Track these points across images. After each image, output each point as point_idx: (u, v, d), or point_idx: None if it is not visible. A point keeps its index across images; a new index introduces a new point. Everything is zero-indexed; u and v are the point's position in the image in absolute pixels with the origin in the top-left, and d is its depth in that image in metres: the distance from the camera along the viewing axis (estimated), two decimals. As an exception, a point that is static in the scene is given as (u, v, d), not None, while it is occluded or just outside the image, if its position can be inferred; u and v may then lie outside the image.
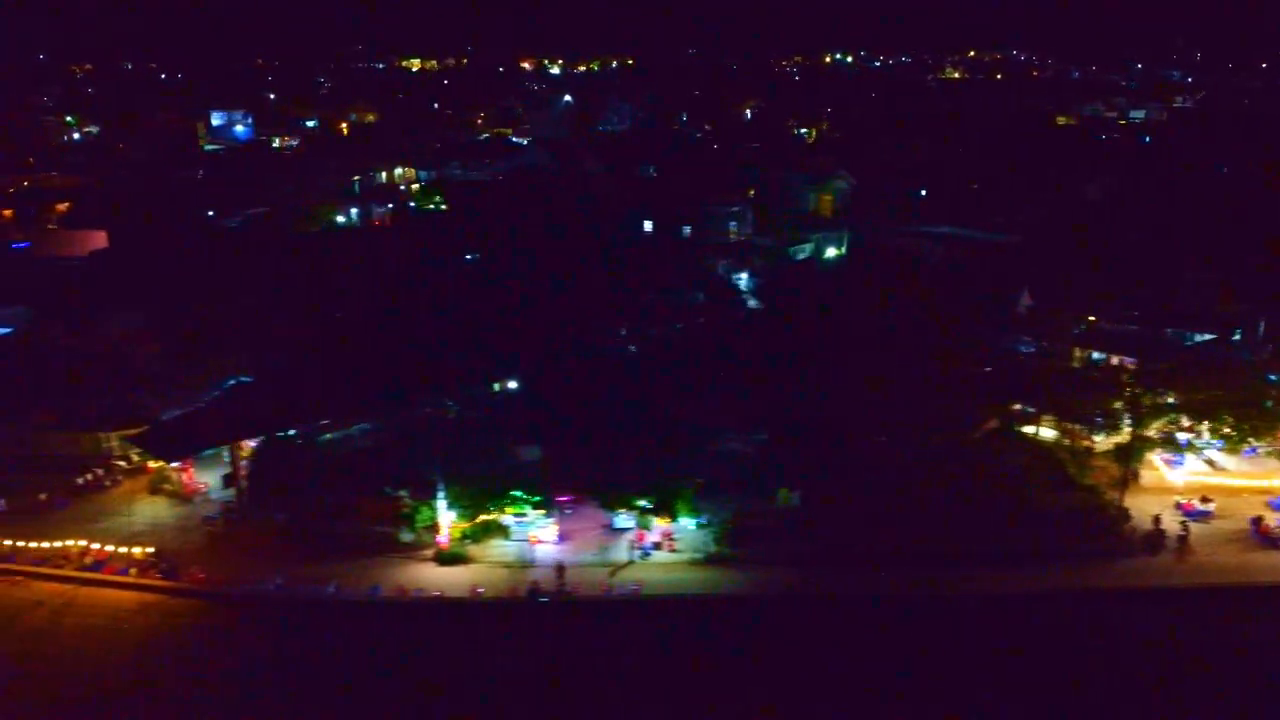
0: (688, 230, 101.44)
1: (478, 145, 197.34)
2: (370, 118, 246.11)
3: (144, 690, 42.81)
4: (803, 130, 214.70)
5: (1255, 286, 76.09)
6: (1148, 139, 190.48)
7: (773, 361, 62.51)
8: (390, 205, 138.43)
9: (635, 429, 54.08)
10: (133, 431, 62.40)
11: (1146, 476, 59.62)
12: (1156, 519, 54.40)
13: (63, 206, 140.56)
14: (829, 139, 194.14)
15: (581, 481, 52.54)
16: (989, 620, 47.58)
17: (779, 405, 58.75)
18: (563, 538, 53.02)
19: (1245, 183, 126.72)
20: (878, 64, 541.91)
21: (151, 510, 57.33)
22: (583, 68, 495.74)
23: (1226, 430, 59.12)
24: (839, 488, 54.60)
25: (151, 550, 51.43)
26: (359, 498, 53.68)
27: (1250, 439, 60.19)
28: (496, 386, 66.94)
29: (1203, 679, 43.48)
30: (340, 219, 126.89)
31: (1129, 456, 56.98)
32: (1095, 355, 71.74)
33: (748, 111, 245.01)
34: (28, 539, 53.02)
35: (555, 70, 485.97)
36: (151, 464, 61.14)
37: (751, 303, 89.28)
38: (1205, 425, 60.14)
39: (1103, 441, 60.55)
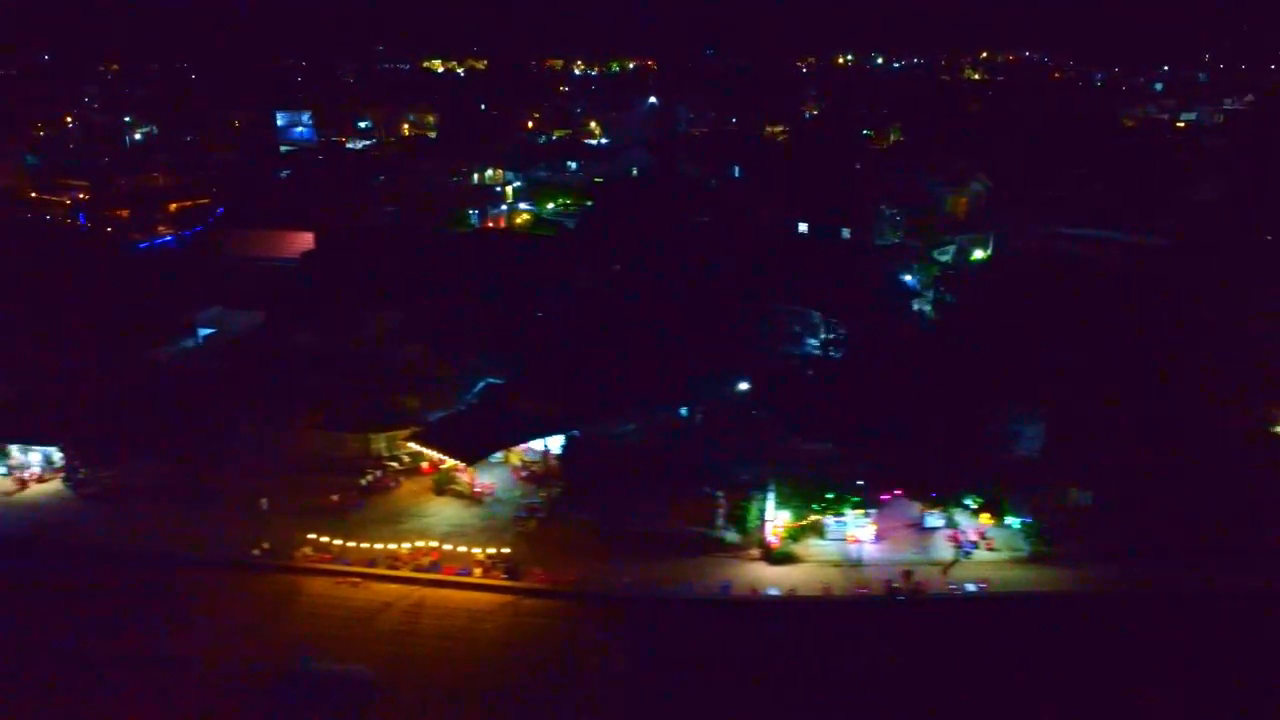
0: (846, 233, 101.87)
1: (556, 147, 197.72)
2: (430, 119, 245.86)
3: (524, 690, 43.05)
4: (865, 132, 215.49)
5: None
6: (1202, 139, 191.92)
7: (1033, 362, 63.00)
8: (504, 207, 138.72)
9: (939, 427, 54.48)
10: (403, 433, 62.80)
11: None
12: None
13: (174, 206, 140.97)
14: (903, 144, 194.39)
15: (902, 481, 52.87)
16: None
17: (1059, 405, 59.23)
18: (878, 537, 53.49)
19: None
20: (898, 65, 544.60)
21: (447, 511, 57.50)
22: (595, 69, 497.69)
23: None
24: (1131, 485, 55.18)
25: (492, 551, 51.52)
26: (672, 497, 53.92)
27: None
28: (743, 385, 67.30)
29: None
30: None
31: None
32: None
33: (808, 114, 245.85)
34: (336, 540, 53.22)
35: (577, 71, 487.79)
36: (429, 465, 61.49)
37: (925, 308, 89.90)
38: None
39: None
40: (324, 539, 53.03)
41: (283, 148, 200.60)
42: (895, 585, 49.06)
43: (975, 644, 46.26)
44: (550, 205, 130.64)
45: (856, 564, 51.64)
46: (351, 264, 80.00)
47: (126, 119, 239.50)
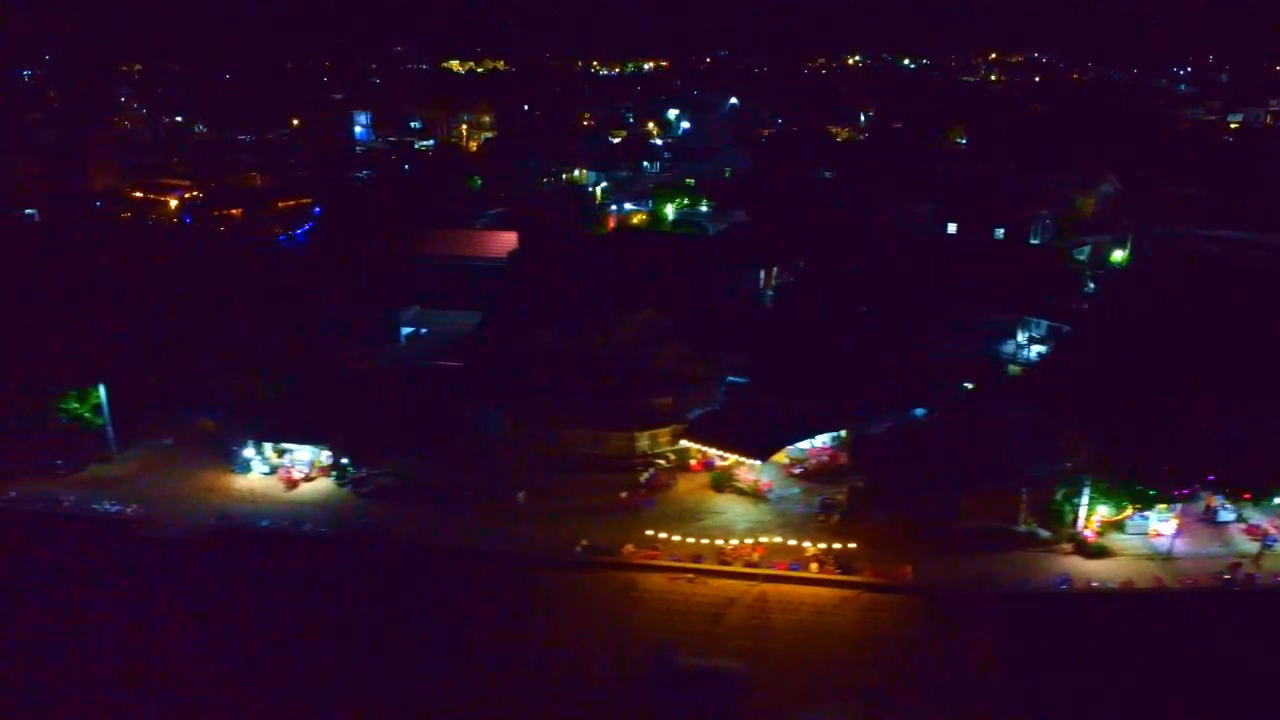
0: (1000, 233, 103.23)
1: (623, 148, 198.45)
2: (485, 119, 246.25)
3: (894, 686, 44.01)
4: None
5: None
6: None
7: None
8: (614, 207, 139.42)
9: (1229, 423, 55.66)
10: (663, 431, 63.71)
11: None
12: None
13: (284, 204, 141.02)
14: (973, 145, 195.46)
15: (1210, 476, 54.03)
16: None
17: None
18: (1177, 532, 54.70)
19: None
20: (913, 66, 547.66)
21: (738, 509, 58.32)
22: (615, 69, 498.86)
23: None
24: None
25: (824, 546, 52.48)
26: (972, 492, 54.98)
27: None
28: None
29: None
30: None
31: None
32: None
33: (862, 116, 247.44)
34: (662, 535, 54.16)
35: (603, 72, 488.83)
36: (697, 462, 62.39)
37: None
38: None
39: None
40: (651, 532, 53.79)
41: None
42: (1228, 576, 50.26)
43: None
44: (670, 206, 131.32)
45: (1169, 557, 52.85)
46: (563, 265, 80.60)
47: (178, 118, 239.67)
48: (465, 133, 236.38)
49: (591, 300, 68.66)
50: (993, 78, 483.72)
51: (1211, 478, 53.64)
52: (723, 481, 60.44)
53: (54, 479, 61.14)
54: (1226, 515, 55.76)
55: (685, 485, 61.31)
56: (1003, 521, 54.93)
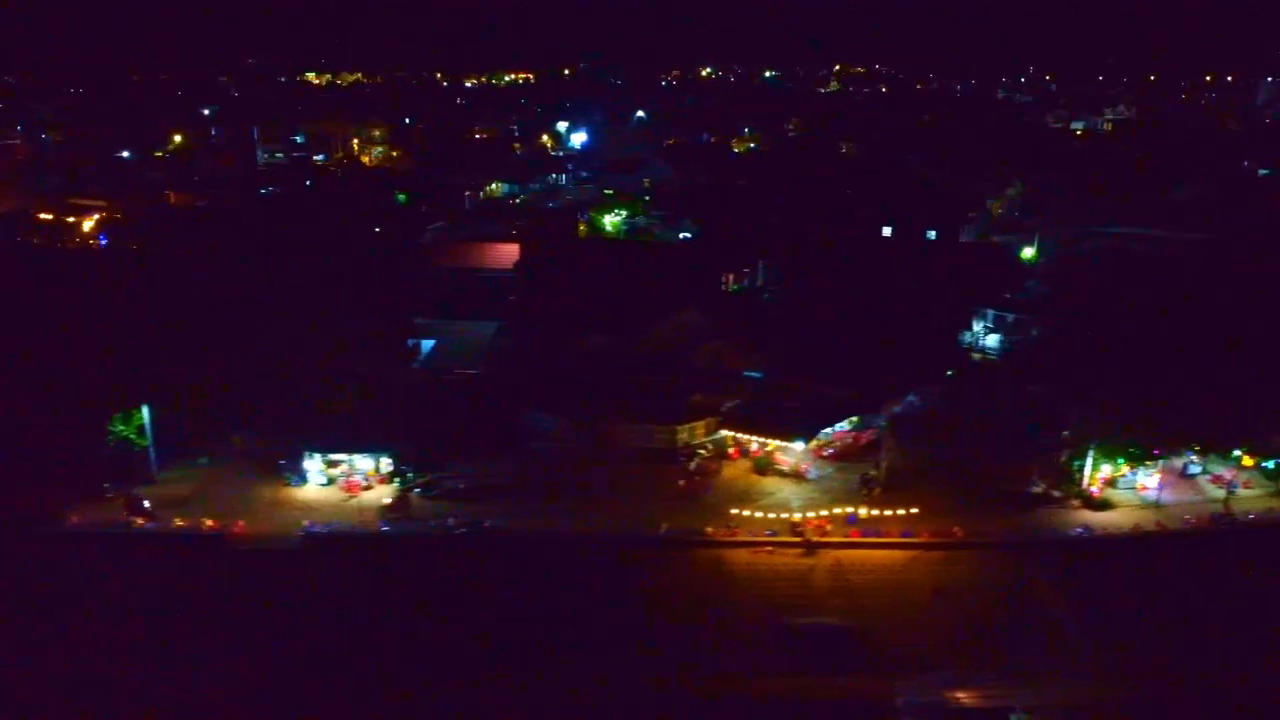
0: (933, 234, 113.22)
1: (532, 161, 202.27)
2: (376, 133, 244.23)
3: (978, 629, 50.81)
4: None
5: None
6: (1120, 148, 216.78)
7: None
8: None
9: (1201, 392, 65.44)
10: (700, 423, 68.99)
11: None
12: None
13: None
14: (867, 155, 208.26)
15: (1195, 436, 63.44)
16: None
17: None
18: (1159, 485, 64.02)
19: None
20: (769, 76, 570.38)
21: (786, 489, 64.08)
22: (476, 81, 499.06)
23: None
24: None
25: (902, 511, 58.99)
26: (996, 459, 62.75)
27: None
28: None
29: None
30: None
31: None
32: None
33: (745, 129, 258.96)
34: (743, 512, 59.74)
35: (469, 84, 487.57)
36: (734, 449, 67.89)
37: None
38: None
39: None
40: (741, 513, 59.10)
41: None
42: (1218, 515, 59.69)
43: None
44: (609, 218, 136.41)
45: (1159, 506, 61.96)
46: (569, 273, 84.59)
47: (54, 135, 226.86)
48: (357, 147, 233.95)
49: (622, 305, 73.06)
50: (834, 87, 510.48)
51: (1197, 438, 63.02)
52: (765, 466, 66.15)
53: (104, 503, 60.99)
54: (1195, 469, 65.48)
55: (730, 472, 66.65)
56: (1020, 484, 62.84)
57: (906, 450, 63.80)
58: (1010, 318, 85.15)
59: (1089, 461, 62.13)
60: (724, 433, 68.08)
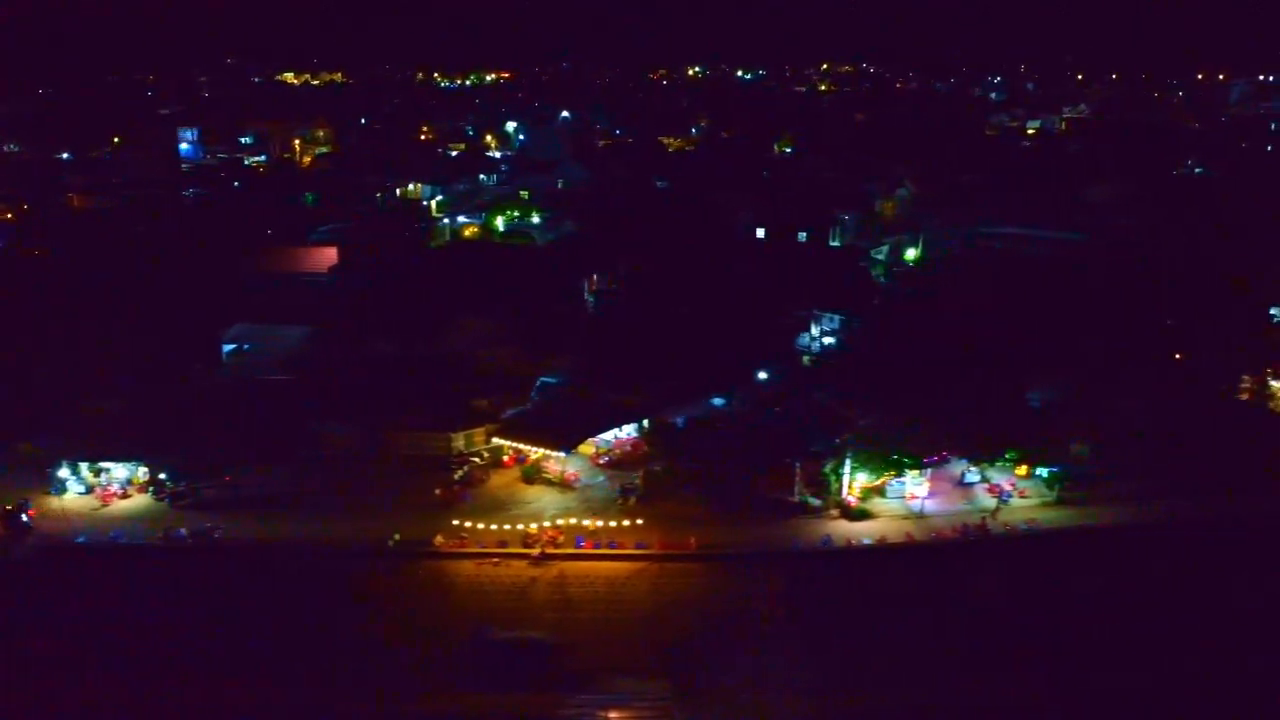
0: (802, 236, 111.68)
1: (459, 160, 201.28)
2: (321, 134, 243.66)
3: (682, 642, 49.35)
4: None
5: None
6: (1061, 146, 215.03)
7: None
8: (449, 220, 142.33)
9: (975, 399, 64.07)
10: (479, 430, 67.73)
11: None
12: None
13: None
14: (801, 153, 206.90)
15: (954, 443, 62.04)
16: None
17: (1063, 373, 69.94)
18: (930, 493, 62.52)
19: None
20: (748, 77, 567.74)
21: (546, 498, 62.91)
22: (456, 80, 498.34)
23: None
24: (1129, 438, 66.33)
25: (602, 523, 57.65)
26: (756, 469, 61.34)
27: None
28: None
29: None
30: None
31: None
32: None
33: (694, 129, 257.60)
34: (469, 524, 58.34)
35: (445, 83, 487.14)
36: (509, 458, 66.63)
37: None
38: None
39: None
40: (464, 524, 57.75)
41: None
42: (967, 527, 58.15)
43: (1041, 569, 55.70)
44: (501, 218, 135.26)
45: (921, 516, 60.44)
46: (389, 277, 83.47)
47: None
48: (299, 148, 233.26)
49: (419, 310, 71.97)
50: (823, 87, 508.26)
51: (947, 444, 61.57)
52: (533, 474, 64.89)
53: None
54: (972, 477, 63.90)
55: (500, 480, 65.44)
56: (781, 493, 61.41)
57: (665, 458, 62.44)
58: (836, 321, 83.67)
59: (846, 470, 60.67)
60: (496, 440, 66.78)
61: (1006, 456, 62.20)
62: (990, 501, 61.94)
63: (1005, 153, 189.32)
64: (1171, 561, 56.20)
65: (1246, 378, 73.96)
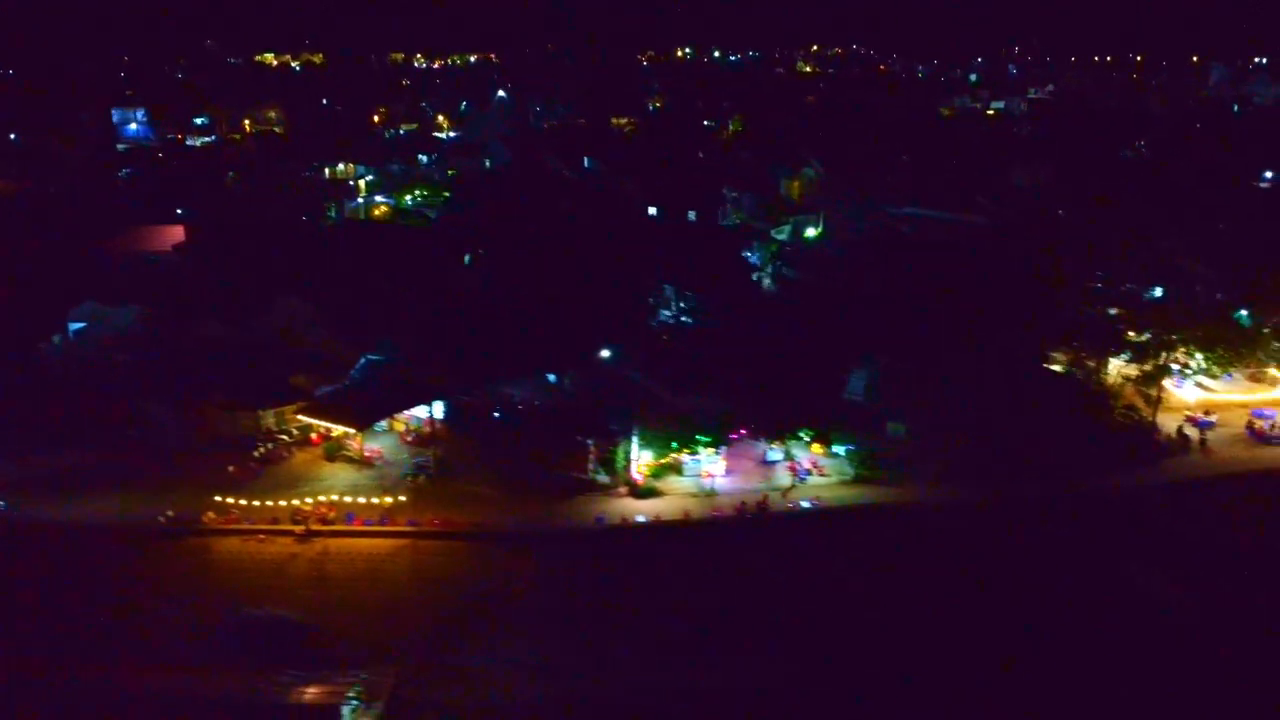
0: (692, 215, 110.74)
1: (403, 141, 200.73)
2: (272, 114, 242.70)
3: (431, 619, 48.98)
4: (707, 123, 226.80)
5: (1195, 246, 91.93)
6: (1026, 128, 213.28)
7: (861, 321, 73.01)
8: (359, 200, 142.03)
9: (778, 376, 63.42)
10: (290, 408, 67.27)
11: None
12: (1179, 429, 68.59)
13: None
14: (744, 134, 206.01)
15: (747, 421, 61.49)
16: (1091, 509, 59.78)
17: (880, 354, 69.34)
18: (728, 471, 62.00)
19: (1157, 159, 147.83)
20: (735, 59, 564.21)
21: (341, 475, 62.49)
22: (436, 62, 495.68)
23: (1218, 358, 73.83)
24: (941, 419, 65.71)
25: (389, 500, 57.19)
26: (553, 447, 60.82)
27: (1230, 366, 75.28)
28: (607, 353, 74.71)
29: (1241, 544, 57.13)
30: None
31: (1153, 382, 70.73)
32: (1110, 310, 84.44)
33: (652, 106, 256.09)
34: (241, 501, 58.04)
35: (419, 64, 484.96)
36: (317, 436, 66.22)
37: (765, 280, 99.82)
38: (1200, 355, 74.57)
39: (1128, 371, 73.67)
40: (227, 500, 57.37)
41: (120, 146, 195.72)
42: (744, 505, 57.66)
43: (812, 546, 55.31)
44: (407, 198, 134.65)
45: (711, 494, 59.93)
46: (232, 256, 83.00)
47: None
48: (249, 128, 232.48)
49: (252, 288, 71.53)
50: (807, 69, 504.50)
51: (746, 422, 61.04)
52: (334, 451, 64.51)
53: None
54: (774, 455, 63.34)
55: (303, 457, 65.06)
56: (575, 471, 60.93)
57: (459, 436, 61.98)
58: (686, 301, 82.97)
59: (633, 448, 60.13)
60: (301, 418, 66.36)
61: (801, 435, 61.44)
62: (787, 479, 61.43)
63: (947, 134, 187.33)
64: (947, 539, 55.88)
65: (1068, 361, 73.30)
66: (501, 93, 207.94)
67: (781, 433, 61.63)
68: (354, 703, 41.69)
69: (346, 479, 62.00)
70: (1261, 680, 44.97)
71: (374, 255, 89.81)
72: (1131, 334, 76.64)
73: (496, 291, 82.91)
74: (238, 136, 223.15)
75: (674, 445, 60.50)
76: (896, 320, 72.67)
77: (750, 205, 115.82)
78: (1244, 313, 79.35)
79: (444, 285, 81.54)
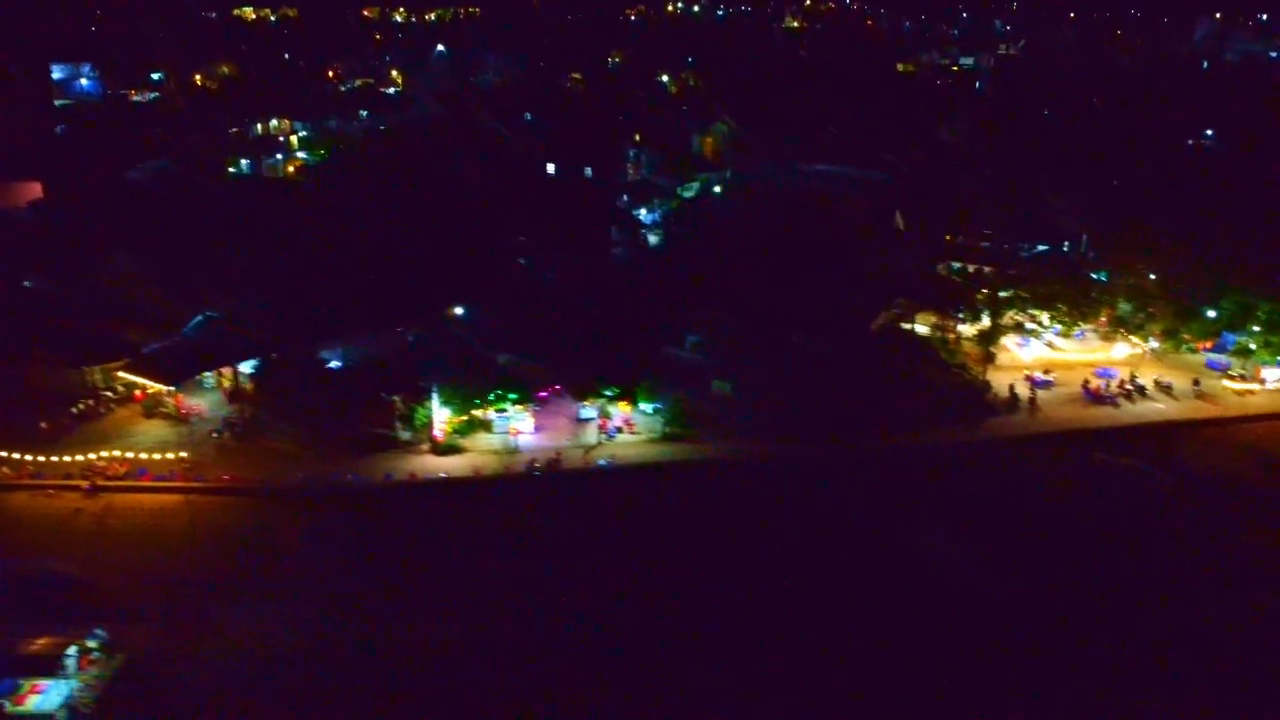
0: (589, 171, 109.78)
1: (351, 96, 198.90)
2: (225, 70, 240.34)
3: (208, 572, 49.39)
4: (664, 79, 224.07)
5: (1087, 205, 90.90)
6: (978, 85, 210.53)
7: (699, 278, 72.60)
8: (279, 156, 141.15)
9: (598, 335, 63.20)
10: (116, 364, 67.27)
11: (1002, 357, 73.51)
12: (1011, 388, 68.46)
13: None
14: (695, 88, 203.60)
15: (555, 379, 61.42)
16: (914, 466, 60.00)
17: (713, 312, 69.03)
18: (538, 428, 62.08)
19: (1071, 120, 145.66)
20: (721, 13, 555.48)
21: (155, 431, 62.73)
22: (430, 17, 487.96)
23: (1061, 317, 73.37)
24: (765, 376, 65.53)
25: (184, 455, 57.46)
26: (356, 405, 60.85)
27: (1079, 323, 74.82)
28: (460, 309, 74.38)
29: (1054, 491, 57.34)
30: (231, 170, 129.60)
31: (989, 340, 70.42)
32: (955, 265, 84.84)
33: (611, 61, 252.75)
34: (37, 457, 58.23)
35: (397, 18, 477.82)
36: (140, 392, 66.30)
37: (653, 236, 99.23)
38: (1044, 314, 74.12)
39: (967, 330, 73.49)
40: (24, 457, 57.64)
41: (60, 102, 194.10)
42: (534, 463, 57.74)
43: (596, 503, 55.55)
44: (322, 153, 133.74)
45: (514, 451, 60.03)
46: (86, 212, 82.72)
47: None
48: (200, 84, 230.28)
49: (96, 245, 71.30)
50: (795, 24, 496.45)
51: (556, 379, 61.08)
52: (152, 408, 64.68)
53: None
54: (588, 413, 63.27)
55: (123, 414, 65.23)
56: (382, 428, 61.03)
57: (268, 393, 62.05)
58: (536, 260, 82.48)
59: (434, 405, 60.14)
60: (122, 375, 66.42)
61: (604, 393, 61.34)
62: (596, 438, 61.51)
63: (892, 90, 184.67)
64: (732, 495, 56.05)
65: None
66: (440, 48, 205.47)
67: (585, 391, 61.43)
68: (77, 654, 42.03)
69: (158, 435, 62.22)
70: (1028, 637, 45.15)
71: (239, 213, 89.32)
72: (984, 292, 76.18)
73: (353, 249, 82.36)
74: (178, 91, 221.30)
75: (477, 402, 60.34)
76: (736, 279, 72.24)
77: (652, 163, 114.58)
78: (1104, 273, 78.80)
79: (298, 243, 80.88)
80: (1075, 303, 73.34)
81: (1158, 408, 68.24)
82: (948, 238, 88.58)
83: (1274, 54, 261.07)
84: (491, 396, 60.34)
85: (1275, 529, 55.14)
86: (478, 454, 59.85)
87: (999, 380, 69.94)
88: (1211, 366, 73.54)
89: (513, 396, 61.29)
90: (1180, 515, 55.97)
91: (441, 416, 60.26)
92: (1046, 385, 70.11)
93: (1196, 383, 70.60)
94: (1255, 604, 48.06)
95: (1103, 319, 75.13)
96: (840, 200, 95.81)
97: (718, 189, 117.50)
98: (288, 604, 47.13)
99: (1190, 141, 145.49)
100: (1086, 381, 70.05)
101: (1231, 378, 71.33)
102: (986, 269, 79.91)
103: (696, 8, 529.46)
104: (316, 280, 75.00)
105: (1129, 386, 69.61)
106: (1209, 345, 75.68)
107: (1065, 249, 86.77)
